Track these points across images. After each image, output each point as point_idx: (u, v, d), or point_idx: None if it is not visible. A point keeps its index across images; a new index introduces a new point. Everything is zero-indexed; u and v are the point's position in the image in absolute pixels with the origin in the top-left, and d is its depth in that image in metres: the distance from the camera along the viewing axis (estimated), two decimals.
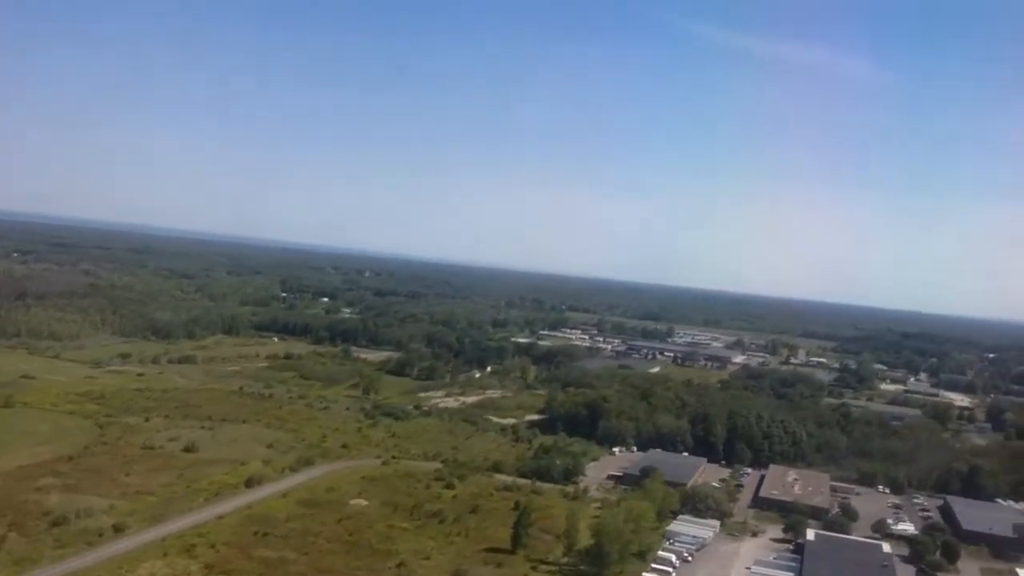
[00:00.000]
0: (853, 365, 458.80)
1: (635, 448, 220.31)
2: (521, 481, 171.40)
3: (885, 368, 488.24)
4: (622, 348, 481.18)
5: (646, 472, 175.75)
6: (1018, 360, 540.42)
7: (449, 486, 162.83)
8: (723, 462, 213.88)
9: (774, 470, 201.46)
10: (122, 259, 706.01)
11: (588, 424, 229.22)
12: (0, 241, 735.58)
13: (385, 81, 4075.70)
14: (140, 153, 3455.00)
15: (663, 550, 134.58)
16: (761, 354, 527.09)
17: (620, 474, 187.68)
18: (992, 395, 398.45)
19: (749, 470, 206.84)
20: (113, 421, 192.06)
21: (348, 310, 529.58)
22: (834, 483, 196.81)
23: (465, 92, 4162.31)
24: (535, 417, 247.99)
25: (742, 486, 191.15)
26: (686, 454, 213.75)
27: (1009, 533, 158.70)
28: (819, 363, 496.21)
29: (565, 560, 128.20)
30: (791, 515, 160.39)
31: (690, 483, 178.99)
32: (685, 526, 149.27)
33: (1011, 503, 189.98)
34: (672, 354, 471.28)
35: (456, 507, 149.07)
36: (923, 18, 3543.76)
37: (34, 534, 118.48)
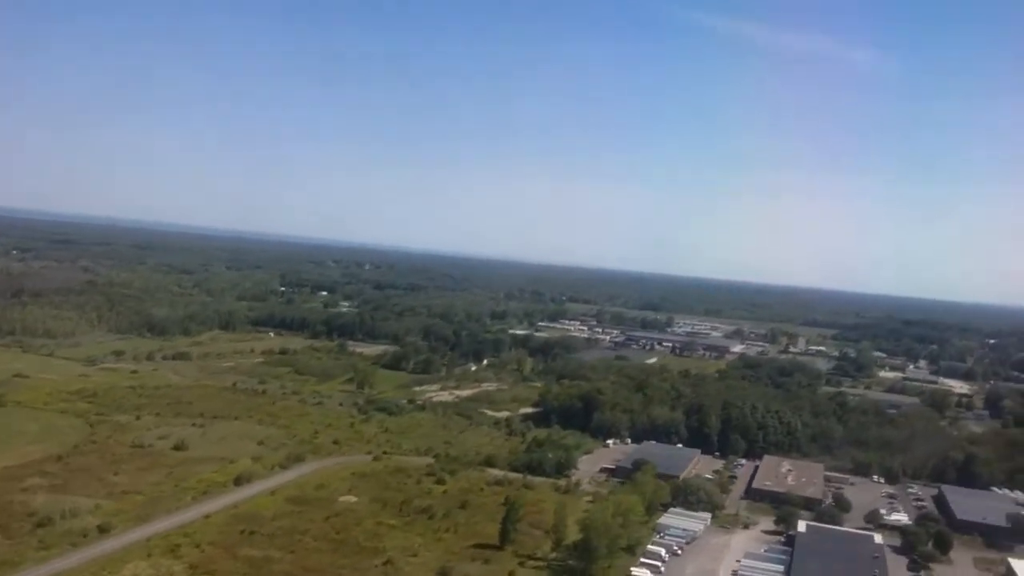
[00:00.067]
0: (852, 353, 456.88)
1: (629, 440, 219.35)
2: (513, 475, 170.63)
3: (884, 356, 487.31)
4: (620, 339, 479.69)
5: (638, 465, 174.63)
6: (1019, 346, 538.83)
7: (440, 481, 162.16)
8: (717, 453, 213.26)
9: (768, 461, 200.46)
10: (122, 255, 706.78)
11: (582, 416, 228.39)
12: (0, 239, 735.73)
13: (384, 74, 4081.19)
14: (142, 149, 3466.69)
15: (652, 544, 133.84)
16: (760, 343, 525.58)
17: (613, 467, 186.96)
18: (991, 382, 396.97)
19: (743, 461, 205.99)
20: (104, 420, 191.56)
21: (346, 304, 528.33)
22: (828, 473, 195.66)
23: (465, 84, 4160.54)
24: (530, 410, 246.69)
25: (735, 477, 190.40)
26: (680, 446, 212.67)
27: (1003, 522, 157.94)
28: (818, 351, 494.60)
29: (553, 556, 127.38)
30: (783, 506, 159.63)
31: (683, 475, 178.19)
32: (676, 519, 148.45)
33: (1007, 491, 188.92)
34: (670, 344, 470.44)
35: (446, 503, 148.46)
36: (924, 6, 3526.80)
37: (18, 535, 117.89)
